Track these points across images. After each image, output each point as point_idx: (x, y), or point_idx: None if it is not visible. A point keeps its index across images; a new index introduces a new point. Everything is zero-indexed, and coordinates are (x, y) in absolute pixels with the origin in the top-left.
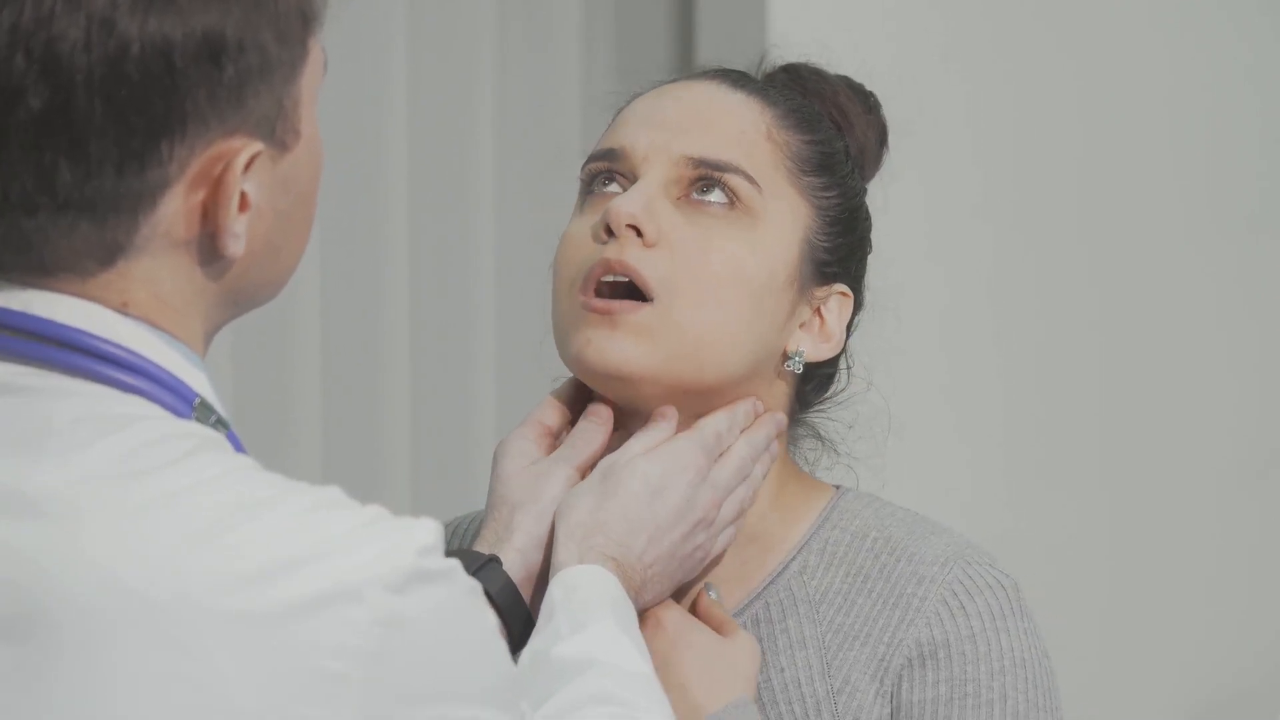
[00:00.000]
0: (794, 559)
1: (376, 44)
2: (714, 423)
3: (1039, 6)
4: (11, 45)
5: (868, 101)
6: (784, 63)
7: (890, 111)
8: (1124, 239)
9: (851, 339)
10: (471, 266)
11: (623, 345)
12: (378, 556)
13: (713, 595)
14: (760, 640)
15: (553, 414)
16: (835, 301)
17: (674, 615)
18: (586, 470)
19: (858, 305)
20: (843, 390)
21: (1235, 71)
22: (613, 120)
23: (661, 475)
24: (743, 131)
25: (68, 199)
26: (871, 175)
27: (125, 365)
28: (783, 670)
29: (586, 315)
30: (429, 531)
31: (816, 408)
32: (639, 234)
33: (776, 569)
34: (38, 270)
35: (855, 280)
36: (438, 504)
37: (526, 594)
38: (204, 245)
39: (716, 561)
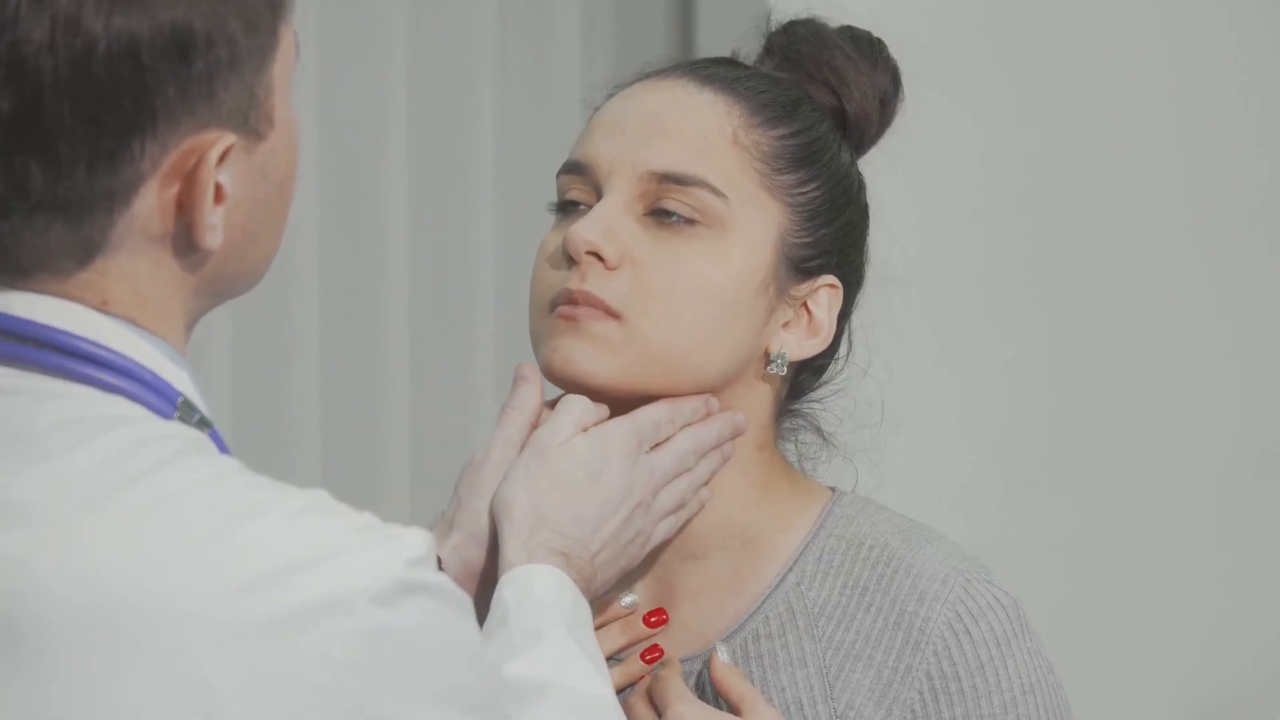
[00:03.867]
0: (791, 569)
1: (376, 44)
2: (652, 411)
3: None
4: None
5: (873, 55)
6: (787, 21)
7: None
8: (1122, 237)
9: (854, 321)
10: (471, 266)
11: (585, 353)
12: (367, 567)
13: (724, 657)
14: (760, 657)
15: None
16: (824, 294)
17: (695, 712)
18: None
19: (855, 286)
20: (840, 373)
21: (1235, 68)
22: (589, 121)
23: (600, 457)
24: (706, 139)
25: (40, 201)
26: (877, 137)
27: (108, 365)
28: (783, 690)
29: (554, 323)
30: (419, 542)
31: (811, 397)
32: (600, 258)
33: (774, 580)
34: (15, 272)
35: (847, 266)
36: (437, 504)
37: (466, 590)
38: (180, 239)
39: (664, 547)
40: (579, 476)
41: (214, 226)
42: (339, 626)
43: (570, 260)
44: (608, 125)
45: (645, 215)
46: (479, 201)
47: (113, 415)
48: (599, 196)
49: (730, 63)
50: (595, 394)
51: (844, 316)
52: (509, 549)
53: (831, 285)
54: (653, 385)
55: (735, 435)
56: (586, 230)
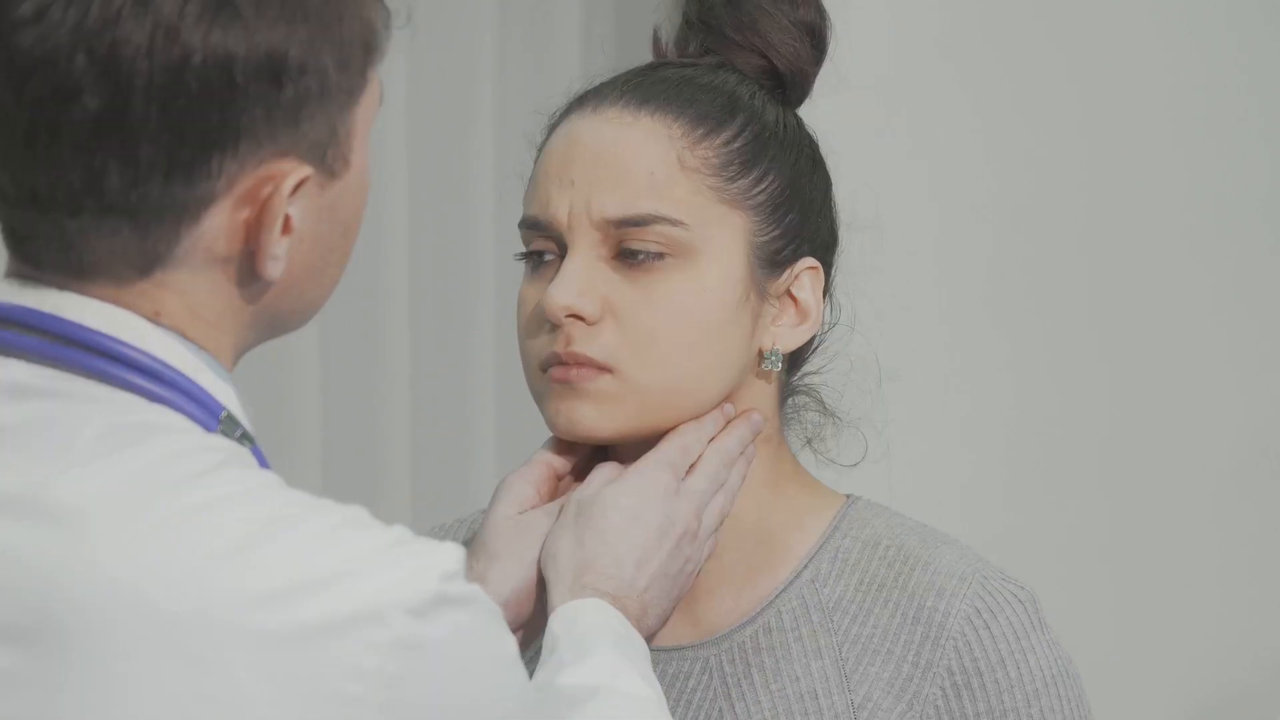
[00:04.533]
0: (806, 567)
1: None
2: (678, 437)
3: None
4: (74, 44)
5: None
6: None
7: (894, 105)
8: (1126, 237)
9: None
10: (471, 266)
11: (588, 412)
12: (401, 580)
13: None
14: (773, 648)
15: (557, 454)
16: (806, 278)
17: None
18: None
19: (832, 248)
20: (829, 330)
21: (1240, 68)
22: (536, 160)
23: (635, 499)
24: (653, 173)
25: (113, 203)
26: (815, 74)
27: (153, 374)
28: (798, 680)
29: (552, 386)
30: (453, 556)
31: (807, 369)
32: (580, 318)
33: (788, 577)
34: (75, 273)
35: (818, 238)
36: (437, 506)
37: None
38: (243, 264)
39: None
40: (616, 520)
41: (277, 257)
42: (372, 638)
43: (550, 322)
44: (557, 174)
45: (613, 259)
46: (479, 201)
47: (155, 424)
48: (561, 248)
49: (658, 66)
50: (607, 446)
51: (826, 286)
52: (555, 594)
53: (811, 267)
54: (661, 424)
55: (756, 435)
56: (561, 295)
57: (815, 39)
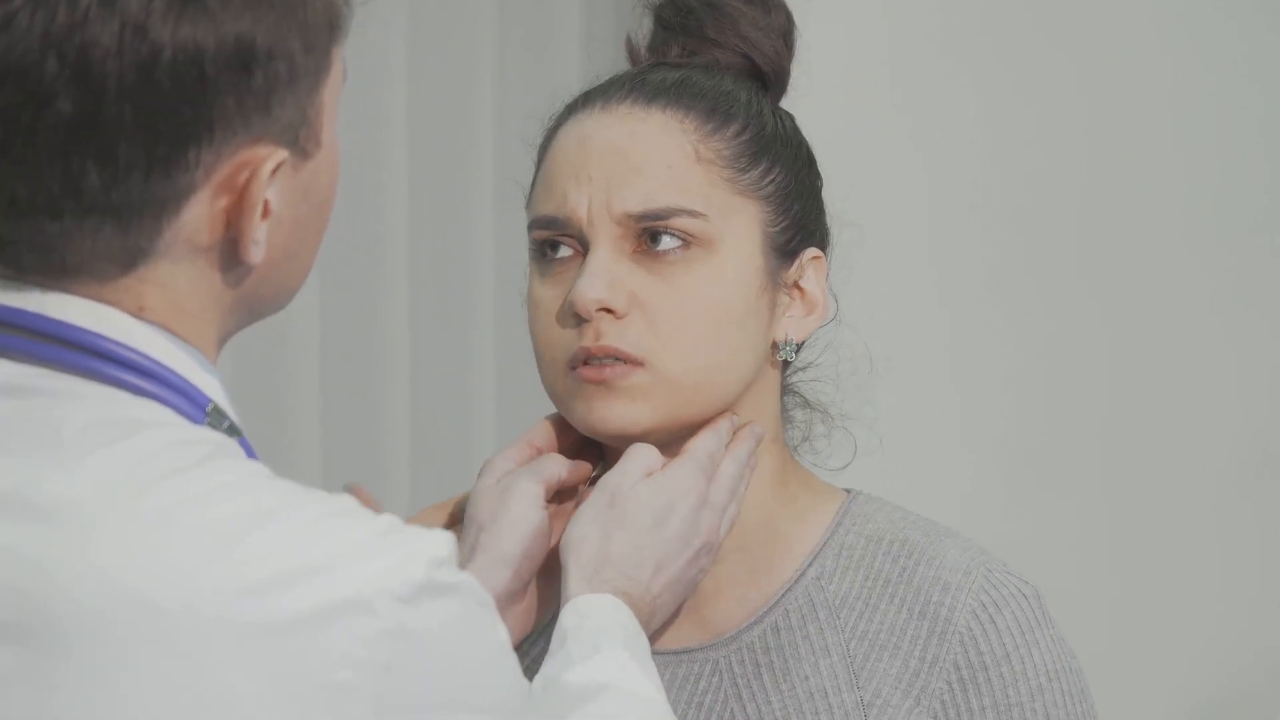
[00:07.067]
0: (811, 564)
1: (376, 44)
2: (704, 444)
3: None
4: (44, 49)
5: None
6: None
7: (897, 104)
8: (1125, 236)
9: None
10: (471, 266)
11: (623, 408)
12: (389, 568)
13: None
14: (781, 648)
15: (543, 435)
16: (811, 269)
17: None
18: (552, 487)
19: (827, 240)
20: (830, 320)
21: (1239, 64)
22: (540, 160)
23: (666, 503)
24: (671, 166)
25: (93, 203)
26: (789, 77)
27: (138, 369)
28: (807, 679)
29: (582, 385)
30: (442, 543)
31: (798, 367)
32: (610, 311)
33: (794, 575)
34: (58, 273)
35: (818, 229)
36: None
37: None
38: (224, 251)
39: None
40: (645, 523)
41: (259, 242)
42: (361, 626)
43: (578, 317)
44: (573, 172)
45: (634, 253)
46: (479, 202)
47: (142, 418)
48: (582, 243)
49: (654, 68)
50: (638, 440)
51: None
52: (572, 582)
53: (815, 257)
54: (687, 416)
55: (758, 445)
56: (591, 289)
57: (788, 42)
